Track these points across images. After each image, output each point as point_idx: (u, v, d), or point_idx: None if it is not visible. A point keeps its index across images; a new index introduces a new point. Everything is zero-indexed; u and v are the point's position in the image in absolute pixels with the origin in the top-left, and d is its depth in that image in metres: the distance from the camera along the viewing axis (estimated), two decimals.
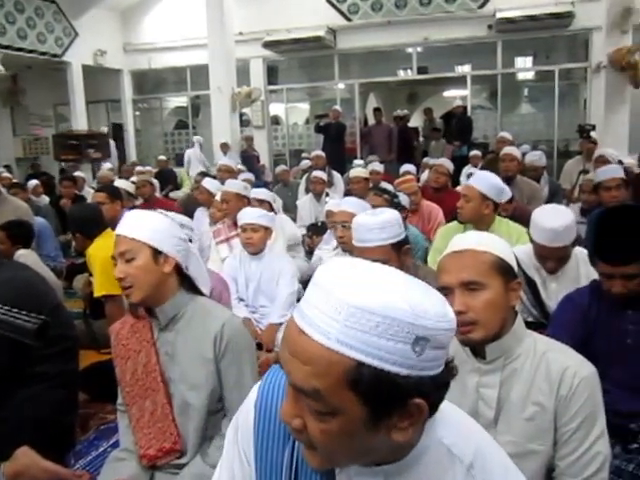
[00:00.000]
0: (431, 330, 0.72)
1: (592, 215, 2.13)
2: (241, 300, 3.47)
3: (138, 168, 9.17)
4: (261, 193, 4.37)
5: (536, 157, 5.61)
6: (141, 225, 1.67)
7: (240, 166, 7.55)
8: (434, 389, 0.75)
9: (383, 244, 2.03)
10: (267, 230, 3.36)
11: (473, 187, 3.07)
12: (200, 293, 1.79)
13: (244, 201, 4.12)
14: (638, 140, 8.47)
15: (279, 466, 0.92)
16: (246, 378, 1.70)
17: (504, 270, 1.39)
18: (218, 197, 4.46)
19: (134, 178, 6.65)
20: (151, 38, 12.19)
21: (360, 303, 0.70)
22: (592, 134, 6.80)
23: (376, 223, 2.05)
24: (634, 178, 6.38)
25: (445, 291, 1.40)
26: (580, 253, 2.53)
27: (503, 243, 1.45)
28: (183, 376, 1.71)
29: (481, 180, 3.12)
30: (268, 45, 10.78)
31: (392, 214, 2.13)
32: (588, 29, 9.67)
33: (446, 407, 0.86)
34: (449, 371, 0.79)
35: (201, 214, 4.96)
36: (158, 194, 6.61)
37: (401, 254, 2.08)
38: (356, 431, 0.74)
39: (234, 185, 4.31)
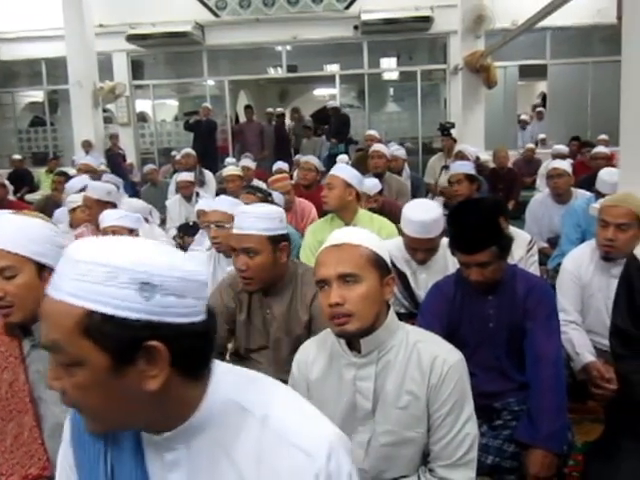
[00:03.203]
0: (157, 277, 0.77)
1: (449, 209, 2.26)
2: None
3: None
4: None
5: (396, 148, 6.06)
6: (21, 235, 1.47)
7: (104, 166, 7.15)
8: (179, 336, 0.78)
9: (259, 234, 2.02)
10: (132, 232, 3.18)
11: (336, 175, 3.21)
12: None
13: (107, 207, 3.72)
14: (493, 137, 9.12)
15: (97, 473, 0.92)
16: None
17: (379, 265, 1.42)
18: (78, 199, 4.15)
19: None
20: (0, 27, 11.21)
21: (86, 257, 0.76)
22: (452, 132, 7.21)
23: (257, 213, 2.06)
24: (489, 173, 6.89)
25: (323, 284, 1.41)
26: (447, 243, 2.67)
27: (378, 240, 1.49)
28: (58, 396, 1.56)
29: (343, 169, 3.32)
30: (132, 39, 10.30)
31: (276, 209, 2.16)
32: (446, 33, 10.23)
33: (238, 369, 0.94)
34: (208, 323, 0.84)
35: (61, 215, 4.63)
36: (12, 197, 6.09)
37: (277, 249, 2.06)
38: (104, 380, 0.77)
39: (96, 190, 3.94)
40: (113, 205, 3.81)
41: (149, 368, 0.78)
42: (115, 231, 3.12)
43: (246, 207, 2.13)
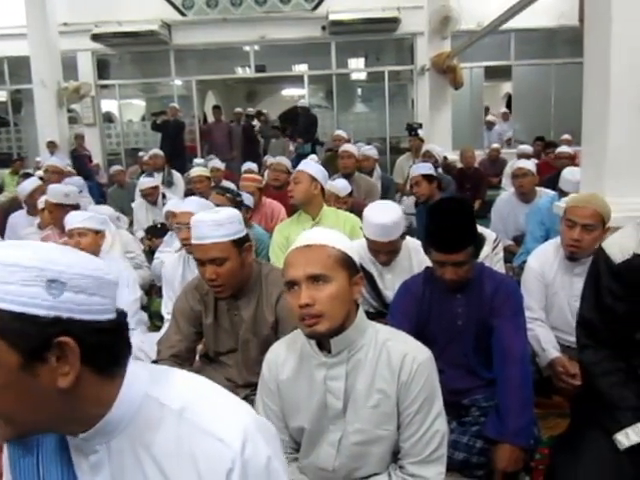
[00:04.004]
0: (63, 274, 0.78)
1: (426, 208, 2.27)
2: None
3: None
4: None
5: (368, 148, 6.05)
6: None
7: (69, 167, 7.01)
8: (89, 332, 0.80)
9: (223, 240, 1.99)
10: (98, 234, 3.12)
11: (302, 170, 3.30)
12: None
13: (68, 210, 3.62)
14: (460, 137, 9.23)
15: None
16: None
17: (348, 265, 1.42)
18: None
19: None
20: None
21: None
22: (419, 132, 7.27)
23: (215, 220, 1.99)
24: (457, 172, 6.98)
25: (292, 285, 1.41)
26: (412, 243, 2.70)
27: (346, 239, 1.49)
28: None
29: (308, 164, 3.42)
30: (97, 38, 10.15)
31: (232, 211, 2.09)
32: (413, 34, 10.34)
33: (154, 366, 0.95)
34: (117, 320, 0.85)
35: (20, 217, 4.54)
36: None
37: (242, 251, 2.05)
38: (16, 379, 0.77)
39: (54, 194, 3.90)
40: (75, 207, 3.76)
41: (60, 365, 0.78)
42: (81, 233, 3.06)
43: (202, 216, 2.05)
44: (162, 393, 0.89)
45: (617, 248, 1.70)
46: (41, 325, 0.76)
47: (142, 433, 0.87)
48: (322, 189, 3.31)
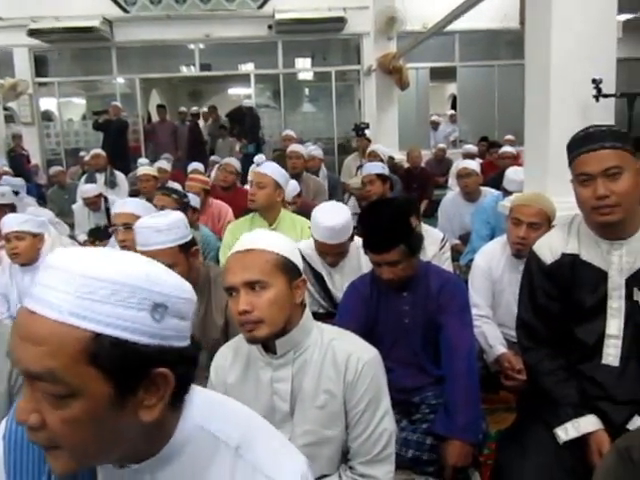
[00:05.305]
0: (168, 297, 0.71)
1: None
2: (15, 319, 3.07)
3: None
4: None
5: (313, 148, 6.06)
6: None
7: (6, 167, 6.75)
8: (180, 361, 0.73)
9: (171, 246, 1.94)
10: (37, 237, 2.99)
11: (268, 175, 3.12)
12: None
13: (5, 210, 3.56)
14: (406, 137, 9.34)
15: None
16: None
17: (287, 269, 1.40)
18: None
19: None
20: None
21: (92, 273, 0.67)
22: (367, 132, 7.31)
23: (162, 225, 1.94)
24: (404, 172, 7.06)
25: (231, 291, 1.39)
26: (360, 243, 2.69)
27: (288, 242, 1.47)
28: None
29: (274, 168, 3.20)
30: (34, 33, 9.76)
31: (177, 215, 2.04)
32: (359, 34, 10.39)
33: (210, 395, 0.88)
34: (195, 346, 0.79)
35: None
36: None
37: (189, 256, 2.00)
38: (102, 413, 0.68)
39: None
40: (11, 207, 3.62)
41: (148, 397, 0.71)
42: (18, 236, 2.94)
43: (146, 221, 1.99)
44: (217, 427, 0.83)
45: (547, 249, 1.75)
46: (141, 354, 0.68)
47: (193, 466, 0.80)
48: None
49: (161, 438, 0.78)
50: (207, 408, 0.84)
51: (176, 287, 0.74)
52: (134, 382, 0.70)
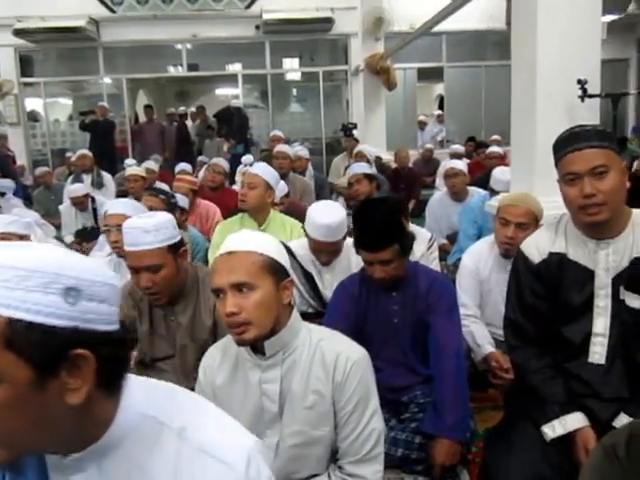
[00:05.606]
0: (80, 280, 0.73)
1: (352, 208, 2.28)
2: None
3: None
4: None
5: (300, 148, 6.12)
6: None
7: None
8: (104, 344, 0.75)
9: (159, 246, 1.93)
10: (23, 238, 2.94)
11: (259, 175, 3.14)
12: None
13: None
14: (394, 138, 9.36)
15: None
16: None
17: (275, 270, 1.39)
18: None
19: None
20: None
21: (3, 261, 0.70)
22: (354, 132, 7.34)
23: (150, 225, 1.92)
24: (391, 172, 7.08)
25: (218, 293, 1.38)
26: (350, 243, 2.70)
27: (274, 243, 1.46)
28: None
29: (265, 169, 3.22)
30: (20, 33, 9.67)
31: (165, 215, 2.03)
32: (346, 35, 10.40)
33: (153, 383, 0.89)
34: (124, 330, 0.80)
35: None
36: None
37: (177, 256, 1.99)
38: (25, 397, 0.70)
39: None
40: None
41: (72, 380, 0.72)
42: (4, 238, 2.90)
43: (134, 221, 1.97)
44: (160, 411, 0.84)
45: (534, 248, 1.76)
46: (59, 336, 0.70)
47: (138, 452, 0.81)
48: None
49: (97, 424, 0.79)
50: (150, 395, 0.86)
51: (89, 271, 0.74)
52: (53, 364, 0.71)
